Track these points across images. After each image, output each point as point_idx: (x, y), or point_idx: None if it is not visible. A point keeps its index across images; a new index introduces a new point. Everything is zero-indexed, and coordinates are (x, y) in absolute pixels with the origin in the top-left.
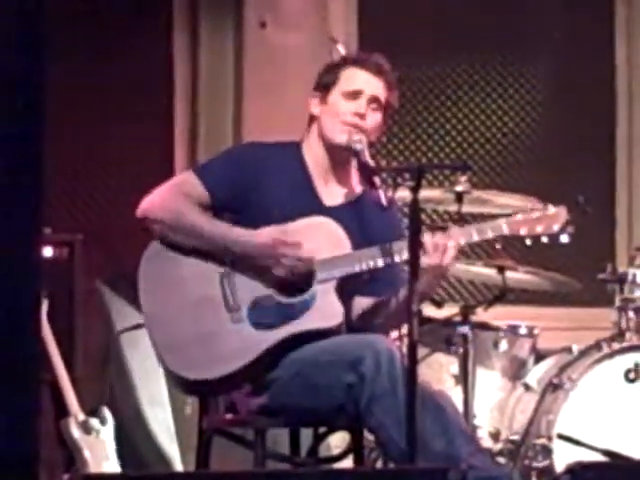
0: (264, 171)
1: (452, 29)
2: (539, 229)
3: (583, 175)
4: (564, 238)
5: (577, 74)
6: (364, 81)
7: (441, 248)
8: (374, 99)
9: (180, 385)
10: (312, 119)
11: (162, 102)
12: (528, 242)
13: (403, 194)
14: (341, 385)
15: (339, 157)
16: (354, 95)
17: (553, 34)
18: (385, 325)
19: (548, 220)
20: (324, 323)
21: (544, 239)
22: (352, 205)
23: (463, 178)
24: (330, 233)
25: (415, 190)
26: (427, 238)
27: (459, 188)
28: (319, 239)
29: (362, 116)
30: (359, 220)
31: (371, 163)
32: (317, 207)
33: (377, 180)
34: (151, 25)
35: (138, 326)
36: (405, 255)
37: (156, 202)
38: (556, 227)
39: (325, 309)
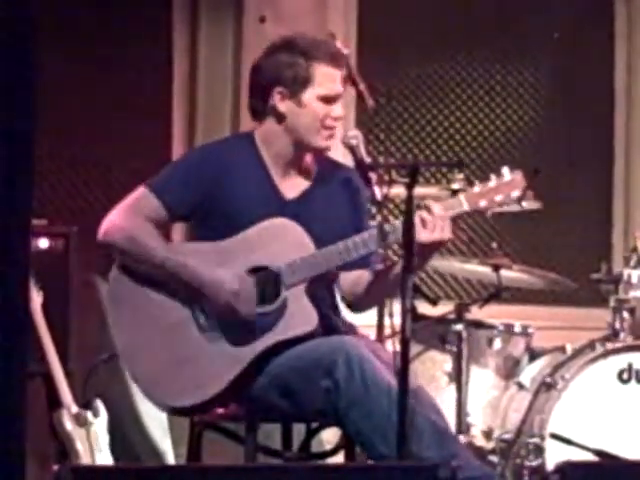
0: (222, 174)
1: (451, 27)
2: (498, 198)
3: (580, 175)
4: (523, 205)
5: (576, 74)
6: (338, 82)
7: (440, 223)
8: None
9: (169, 411)
10: (275, 112)
11: (161, 96)
12: (489, 214)
13: (398, 191)
14: (319, 390)
15: (306, 152)
16: (332, 99)
17: (553, 33)
18: (373, 299)
19: (506, 187)
20: (300, 329)
21: (505, 208)
22: (310, 193)
23: (459, 176)
24: (291, 235)
25: (410, 187)
26: (426, 215)
27: (455, 186)
28: (281, 242)
29: (341, 118)
30: (320, 207)
31: (367, 159)
32: (278, 203)
33: (372, 176)
34: (151, 19)
35: None
36: (372, 246)
37: (114, 225)
38: (515, 194)
39: (299, 315)
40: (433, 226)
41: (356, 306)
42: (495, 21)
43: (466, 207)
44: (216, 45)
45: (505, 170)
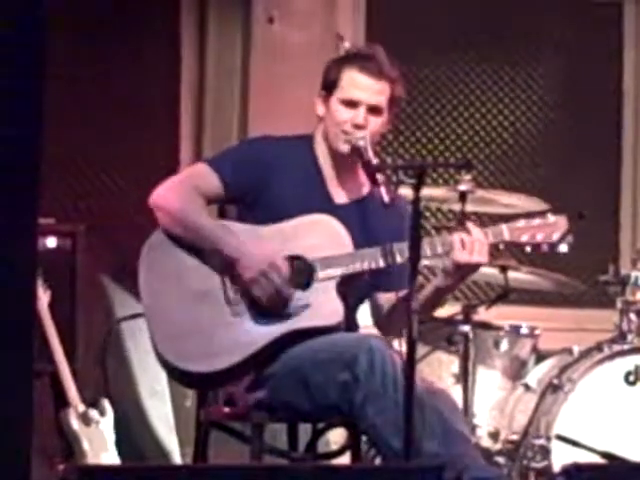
0: (278, 168)
1: (460, 29)
2: (539, 237)
3: (588, 177)
4: (563, 248)
5: (585, 76)
6: (363, 89)
7: (478, 247)
8: (373, 107)
9: (176, 377)
10: (319, 118)
11: (169, 96)
12: (528, 249)
13: (405, 192)
14: (336, 384)
15: (343, 159)
16: (352, 104)
17: (561, 35)
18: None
19: (548, 228)
20: (324, 321)
21: (544, 247)
22: (359, 203)
23: (467, 177)
24: (332, 231)
25: (417, 188)
26: (465, 236)
27: (463, 187)
28: (320, 237)
29: (361, 127)
30: (365, 219)
31: (374, 160)
32: (327, 205)
33: (379, 177)
34: (159, 19)
35: (137, 315)
36: (406, 255)
37: (167, 193)
38: (556, 236)
39: (325, 307)
40: (472, 248)
41: (386, 329)
42: (504, 22)
43: (507, 237)
44: (224, 46)
45: (549, 214)
